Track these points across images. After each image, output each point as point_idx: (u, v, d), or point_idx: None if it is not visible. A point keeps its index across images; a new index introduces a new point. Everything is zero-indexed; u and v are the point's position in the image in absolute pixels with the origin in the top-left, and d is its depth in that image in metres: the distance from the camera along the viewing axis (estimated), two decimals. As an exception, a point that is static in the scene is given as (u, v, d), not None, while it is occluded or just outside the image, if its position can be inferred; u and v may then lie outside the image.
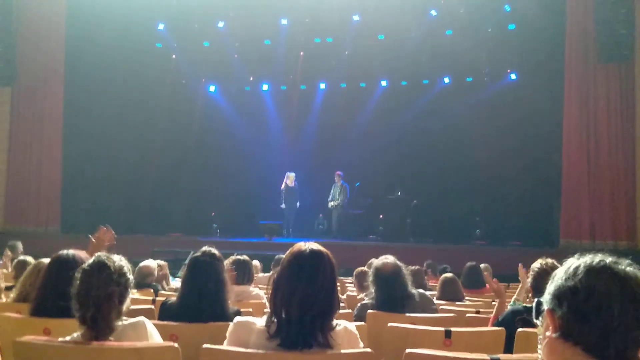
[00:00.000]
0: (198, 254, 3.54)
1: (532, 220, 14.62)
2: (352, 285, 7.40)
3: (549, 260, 3.81)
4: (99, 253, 2.61)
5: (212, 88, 18.26)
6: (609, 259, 1.56)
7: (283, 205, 15.40)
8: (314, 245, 2.37)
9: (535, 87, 14.59)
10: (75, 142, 15.12)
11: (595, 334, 1.50)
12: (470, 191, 15.72)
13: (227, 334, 2.44)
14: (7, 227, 14.14)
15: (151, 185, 16.84)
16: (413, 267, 6.45)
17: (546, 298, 1.61)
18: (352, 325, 2.43)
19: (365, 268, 6.30)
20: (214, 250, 3.59)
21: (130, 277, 2.60)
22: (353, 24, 15.59)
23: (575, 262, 1.59)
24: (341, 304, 4.65)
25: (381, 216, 15.51)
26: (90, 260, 2.56)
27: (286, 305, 2.27)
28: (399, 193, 14.35)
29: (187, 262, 3.61)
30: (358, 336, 2.45)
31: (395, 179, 15.58)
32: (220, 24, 15.93)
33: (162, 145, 17.03)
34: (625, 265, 1.55)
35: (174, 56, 17.01)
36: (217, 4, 15.03)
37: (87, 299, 2.43)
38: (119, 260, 2.59)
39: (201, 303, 3.34)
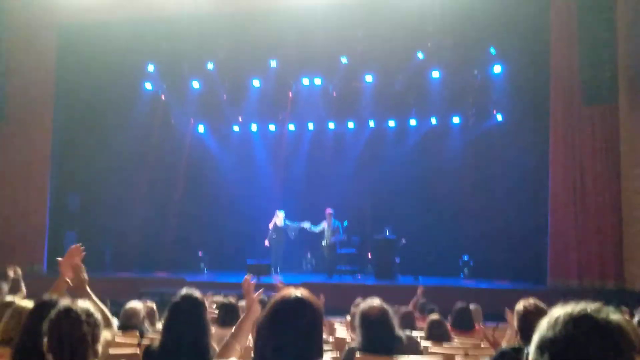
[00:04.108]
0: (177, 299, 3.49)
1: (520, 259, 14.62)
2: (341, 325, 7.35)
3: (531, 301, 3.82)
4: (63, 301, 2.59)
5: (201, 128, 18.36)
6: (590, 307, 1.53)
7: (267, 243, 15.32)
8: (300, 292, 2.36)
9: (521, 127, 14.79)
10: (63, 181, 15.10)
11: None
12: (458, 230, 15.77)
13: None
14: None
15: (138, 224, 16.80)
16: (404, 309, 6.43)
17: (531, 349, 1.60)
18: None
19: (354, 309, 6.25)
20: (195, 294, 3.53)
21: (98, 316, 2.59)
22: (341, 65, 15.79)
23: (558, 312, 1.58)
24: (328, 349, 4.61)
25: (370, 255, 15.52)
26: (55, 310, 2.54)
27: (263, 349, 2.26)
28: (388, 232, 14.36)
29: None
30: None
31: (384, 218, 15.61)
32: (210, 65, 16.09)
33: (150, 184, 17.05)
34: (608, 313, 1.52)
35: (163, 96, 17.13)
36: (206, 45, 15.20)
37: (61, 346, 2.41)
38: (83, 303, 2.59)
39: (181, 350, 3.29)
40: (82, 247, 3.66)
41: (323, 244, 14.84)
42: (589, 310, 1.52)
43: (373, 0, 13.24)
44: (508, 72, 15.02)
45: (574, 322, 1.51)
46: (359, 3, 13.27)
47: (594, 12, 12.04)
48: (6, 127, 14.70)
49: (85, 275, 3.52)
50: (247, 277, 3.46)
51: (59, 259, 3.65)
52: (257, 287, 3.76)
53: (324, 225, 14.86)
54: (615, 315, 1.52)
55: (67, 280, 3.57)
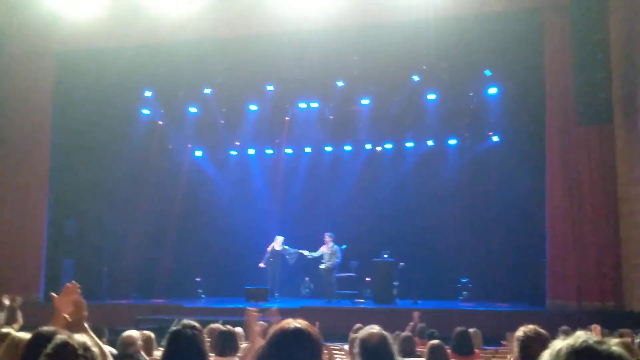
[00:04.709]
0: (177, 327, 3.47)
1: (519, 281, 14.59)
2: (340, 351, 7.31)
3: (531, 327, 3.79)
4: (59, 335, 2.56)
5: (198, 153, 18.41)
6: (592, 339, 1.52)
7: (262, 264, 15.26)
8: (298, 323, 2.36)
9: (517, 148, 14.89)
10: (60, 207, 15.04)
11: None
12: (456, 253, 15.77)
13: None
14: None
15: (136, 250, 16.77)
16: (404, 334, 6.39)
17: None
18: None
19: (354, 335, 6.21)
20: (193, 323, 3.52)
21: (96, 350, 2.56)
22: (337, 89, 15.89)
23: (559, 344, 1.56)
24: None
25: (368, 279, 15.47)
26: (52, 343, 2.52)
27: None
28: (386, 255, 14.32)
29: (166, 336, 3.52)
30: None
31: (382, 241, 15.58)
32: (207, 90, 16.20)
33: (148, 210, 17.05)
34: (610, 345, 1.50)
35: (160, 122, 17.19)
36: (203, 71, 15.28)
37: None
38: (80, 336, 2.56)
39: None
40: (79, 286, 3.59)
41: (321, 267, 14.76)
42: (590, 342, 1.51)
43: (368, 25, 13.32)
44: (503, 94, 15.13)
45: (576, 354, 1.50)
46: (355, 27, 13.35)
47: (587, 33, 12.09)
48: (4, 154, 14.69)
49: (85, 312, 3.47)
50: (250, 309, 3.44)
51: (54, 295, 3.59)
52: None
53: (322, 249, 14.79)
54: (617, 347, 1.50)
55: (66, 316, 3.51)
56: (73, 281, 3.51)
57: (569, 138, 12.51)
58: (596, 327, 5.90)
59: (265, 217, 17.40)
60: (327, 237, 14.75)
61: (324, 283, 14.87)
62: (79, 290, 3.47)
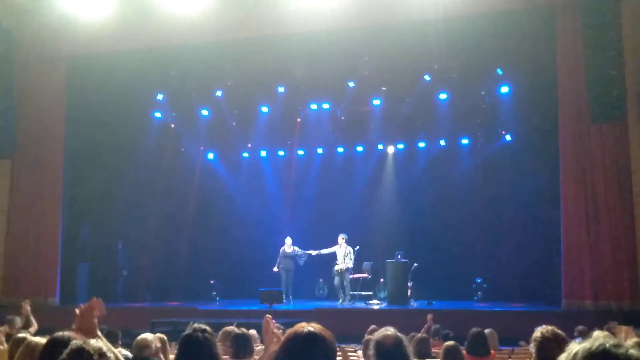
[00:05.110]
0: (189, 331, 3.48)
1: (534, 281, 14.51)
2: (354, 352, 7.29)
3: (549, 328, 3.77)
4: (75, 341, 2.55)
5: (210, 155, 18.46)
6: (609, 343, 1.50)
7: (275, 268, 15.26)
8: (312, 327, 2.35)
9: (530, 147, 14.78)
10: (74, 212, 15.10)
11: None
12: (470, 253, 15.72)
13: None
14: (4, 300, 13.97)
15: (150, 253, 16.83)
16: (419, 335, 6.37)
17: None
18: None
19: (368, 336, 6.19)
20: (204, 326, 3.52)
21: (112, 356, 2.55)
22: (348, 90, 15.85)
23: (576, 347, 1.55)
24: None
25: (382, 280, 15.44)
26: (68, 349, 2.51)
27: None
28: (399, 256, 14.27)
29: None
30: None
31: (395, 242, 15.56)
32: (218, 93, 16.22)
33: (161, 212, 17.10)
34: (628, 348, 1.49)
35: (172, 125, 17.24)
36: (214, 73, 15.31)
37: None
38: (95, 342, 2.56)
39: None
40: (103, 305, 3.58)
41: (335, 269, 14.71)
42: (607, 346, 1.49)
43: (379, 25, 13.27)
44: (515, 93, 15.02)
45: (593, 357, 1.48)
46: (365, 28, 13.31)
47: (599, 30, 12.01)
48: (18, 159, 14.77)
49: (95, 320, 3.45)
50: (268, 316, 3.45)
51: (77, 311, 3.58)
52: (271, 314, 3.75)
53: (335, 248, 14.73)
54: (634, 350, 1.48)
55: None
56: (99, 299, 3.50)
57: (582, 136, 12.39)
58: (629, 330, 5.81)
59: (278, 218, 17.44)
60: (341, 238, 14.70)
61: (338, 284, 14.82)
62: (104, 309, 3.46)
